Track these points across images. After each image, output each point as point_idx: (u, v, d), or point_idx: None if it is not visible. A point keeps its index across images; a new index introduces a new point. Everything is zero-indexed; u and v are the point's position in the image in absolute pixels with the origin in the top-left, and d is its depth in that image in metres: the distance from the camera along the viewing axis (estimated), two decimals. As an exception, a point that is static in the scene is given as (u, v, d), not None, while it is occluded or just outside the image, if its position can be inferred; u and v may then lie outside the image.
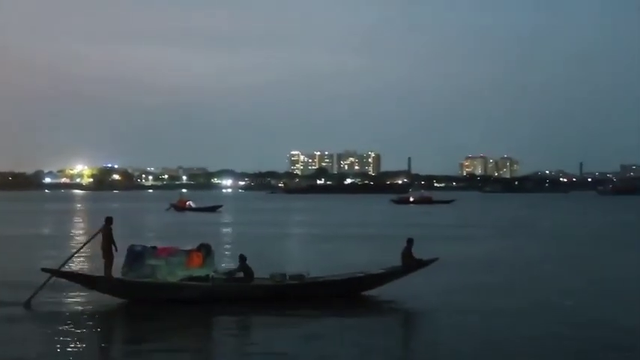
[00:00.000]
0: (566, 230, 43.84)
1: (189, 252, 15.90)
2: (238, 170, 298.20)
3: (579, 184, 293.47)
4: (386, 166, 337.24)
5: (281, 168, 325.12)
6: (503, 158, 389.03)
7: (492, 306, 15.76)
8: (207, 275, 15.68)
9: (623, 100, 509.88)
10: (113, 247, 16.19)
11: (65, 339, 12.59)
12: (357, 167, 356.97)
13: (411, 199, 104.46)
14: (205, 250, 15.89)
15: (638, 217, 60.81)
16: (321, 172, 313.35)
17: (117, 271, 15.84)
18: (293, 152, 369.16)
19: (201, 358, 11.92)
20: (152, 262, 15.49)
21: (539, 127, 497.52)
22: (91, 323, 14.24)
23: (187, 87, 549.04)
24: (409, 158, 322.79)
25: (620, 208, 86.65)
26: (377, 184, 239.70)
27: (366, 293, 16.72)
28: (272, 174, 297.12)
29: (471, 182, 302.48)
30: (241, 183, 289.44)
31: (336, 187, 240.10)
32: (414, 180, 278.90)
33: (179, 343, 12.75)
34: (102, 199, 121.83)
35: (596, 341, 12.42)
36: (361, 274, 16.83)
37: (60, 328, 13.44)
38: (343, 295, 16.18)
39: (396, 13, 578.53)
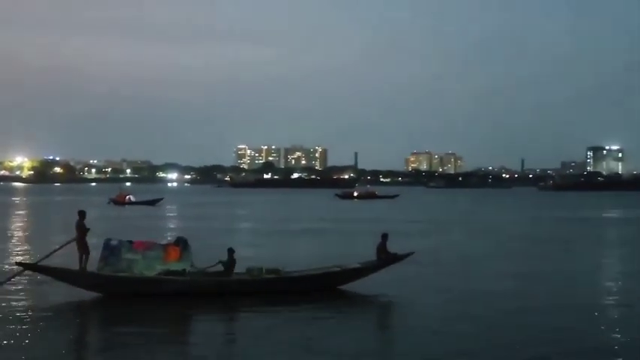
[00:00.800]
0: (502, 225, 44.83)
1: (165, 246, 15.92)
2: (184, 164, 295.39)
3: (521, 180, 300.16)
4: (333, 161, 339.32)
5: (228, 162, 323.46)
6: (448, 154, 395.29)
7: (452, 300, 16.36)
8: (185, 269, 15.64)
9: (563, 99, 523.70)
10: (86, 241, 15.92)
11: (40, 334, 12.49)
12: (304, 162, 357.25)
13: (355, 194, 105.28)
14: (182, 244, 15.87)
15: (569, 213, 62.65)
16: (268, 166, 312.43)
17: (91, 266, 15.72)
18: (240, 146, 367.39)
19: (178, 353, 11.85)
20: (129, 256, 15.44)
21: (482, 125, 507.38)
22: (66, 318, 14.13)
23: (132, 79, 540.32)
24: (356, 153, 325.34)
25: (556, 203, 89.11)
26: (324, 179, 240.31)
27: (342, 287, 16.86)
28: (218, 168, 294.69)
29: (416, 177, 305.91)
30: (187, 177, 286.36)
31: (283, 181, 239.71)
32: (361, 175, 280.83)
33: (155, 337, 12.67)
34: (43, 192, 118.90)
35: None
36: (337, 269, 17.03)
37: (34, 323, 13.30)
38: (320, 289, 16.34)
39: (342, 5, 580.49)
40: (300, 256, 23.22)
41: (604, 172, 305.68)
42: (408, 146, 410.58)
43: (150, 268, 15.45)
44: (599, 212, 65.61)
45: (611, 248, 30.52)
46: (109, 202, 69.96)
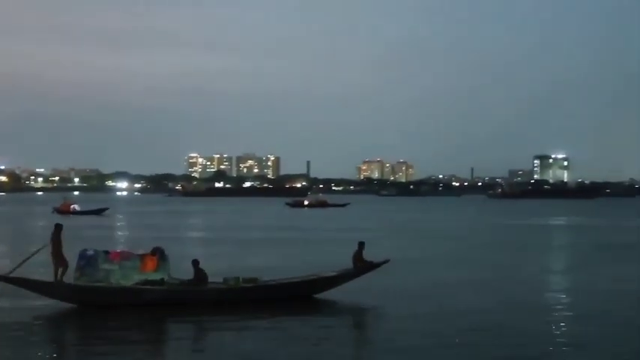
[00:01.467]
0: (449, 232, 45.28)
1: (142, 256, 15.88)
2: (134, 172, 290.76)
3: (471, 188, 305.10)
4: (285, 170, 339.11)
5: (179, 170, 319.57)
6: (400, 163, 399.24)
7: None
8: (163, 279, 15.63)
9: (510, 108, 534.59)
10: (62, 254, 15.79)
11: (14, 349, 12.10)
12: (256, 170, 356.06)
13: (306, 203, 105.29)
14: (159, 254, 15.86)
15: (517, 220, 63.78)
16: (220, 175, 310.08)
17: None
18: (191, 154, 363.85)
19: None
20: (105, 266, 15.38)
21: (433, 134, 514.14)
22: (42, 331, 13.91)
23: (79, 85, 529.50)
24: (308, 162, 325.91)
25: (504, 211, 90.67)
26: (276, 188, 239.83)
27: (318, 295, 16.91)
28: (169, 176, 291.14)
29: (368, 186, 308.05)
30: (137, 186, 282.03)
31: (235, 190, 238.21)
32: (313, 183, 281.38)
33: (133, 348, 12.49)
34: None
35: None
36: (314, 277, 17.08)
37: (8, 338, 12.90)
38: (296, 298, 16.39)
39: (288, 14, 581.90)
40: (256, 265, 22.67)
41: (550, 180, 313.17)
42: (360, 155, 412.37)
43: (127, 278, 15.43)
44: (546, 219, 66.92)
45: (557, 253, 31.09)
46: (53, 212, 68.43)
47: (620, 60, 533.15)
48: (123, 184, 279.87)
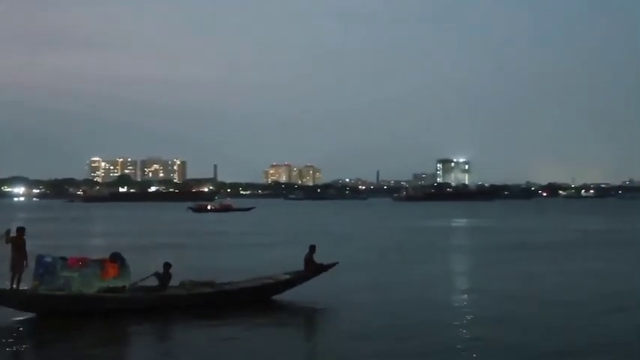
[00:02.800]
0: (352, 235, 45.55)
1: (102, 262, 15.39)
2: (32, 177, 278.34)
3: (377, 191, 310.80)
4: (192, 174, 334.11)
5: (80, 175, 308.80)
6: (307, 166, 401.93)
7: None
8: (125, 286, 15.35)
9: (414, 113, 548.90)
10: (24, 261, 15.20)
11: None
12: (161, 174, 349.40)
13: (209, 207, 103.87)
14: (120, 260, 15.50)
15: (420, 222, 65.29)
16: (124, 179, 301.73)
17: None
18: (94, 158, 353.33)
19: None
20: (65, 273, 14.90)
21: (339, 138, 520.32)
22: None
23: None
24: (215, 166, 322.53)
25: (408, 213, 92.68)
26: (182, 192, 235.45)
27: (274, 298, 17.14)
28: (70, 181, 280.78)
29: (275, 189, 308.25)
30: (36, 191, 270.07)
31: (140, 195, 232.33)
32: (220, 188, 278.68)
33: (95, 357, 12.09)
34: None
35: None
36: (271, 280, 17.36)
37: None
38: (254, 301, 16.50)
39: (193, 19, 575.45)
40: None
41: (452, 183, 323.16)
42: (268, 158, 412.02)
43: (88, 285, 14.99)
44: (448, 221, 68.74)
45: (457, 255, 31.80)
46: None
47: (519, 67, 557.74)
48: (20, 190, 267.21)
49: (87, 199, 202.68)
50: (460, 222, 68.72)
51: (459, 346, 12.35)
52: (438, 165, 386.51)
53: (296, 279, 17.48)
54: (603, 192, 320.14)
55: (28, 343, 13.44)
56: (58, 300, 14.79)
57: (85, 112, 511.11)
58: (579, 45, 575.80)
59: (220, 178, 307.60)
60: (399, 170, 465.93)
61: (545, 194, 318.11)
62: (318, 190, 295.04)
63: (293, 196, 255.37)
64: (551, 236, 43.72)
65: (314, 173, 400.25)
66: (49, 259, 15.01)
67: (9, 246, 15.33)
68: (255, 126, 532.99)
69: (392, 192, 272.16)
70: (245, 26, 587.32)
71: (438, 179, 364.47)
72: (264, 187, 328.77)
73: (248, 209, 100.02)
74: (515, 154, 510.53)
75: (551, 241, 38.62)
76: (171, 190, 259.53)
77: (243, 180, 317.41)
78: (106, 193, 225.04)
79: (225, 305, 15.90)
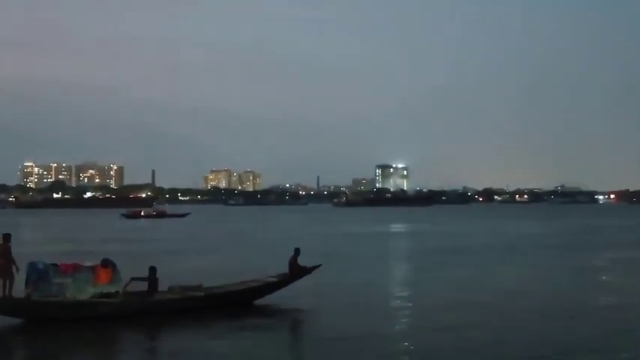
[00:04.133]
0: (287, 241, 45.13)
1: (94, 268, 15.45)
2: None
3: (317, 197, 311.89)
4: (129, 179, 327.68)
5: (12, 181, 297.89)
6: (247, 172, 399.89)
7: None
8: (118, 291, 15.47)
9: (353, 119, 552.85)
10: (14, 267, 15.12)
11: None
12: (97, 180, 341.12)
13: (142, 213, 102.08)
14: (112, 266, 15.61)
15: (359, 228, 65.84)
16: (58, 185, 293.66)
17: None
18: (26, 164, 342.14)
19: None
20: (58, 280, 14.96)
21: (279, 143, 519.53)
22: None
23: None
24: (153, 171, 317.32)
25: (347, 219, 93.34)
26: (119, 198, 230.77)
27: (259, 301, 17.42)
28: (1, 187, 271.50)
29: (215, 195, 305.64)
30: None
31: (75, 201, 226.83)
32: (159, 193, 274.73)
33: None
34: None
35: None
36: (256, 284, 17.62)
37: None
38: (241, 304, 16.77)
39: (137, 23, 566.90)
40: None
41: (391, 189, 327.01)
42: (207, 164, 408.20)
43: (82, 291, 15.10)
44: (387, 227, 69.56)
45: (393, 260, 32.08)
46: None
47: (455, 74, 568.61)
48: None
49: (19, 205, 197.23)
50: (398, 227, 69.54)
51: (394, 352, 12.43)
52: (377, 170, 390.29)
53: (281, 282, 17.88)
54: (536, 197, 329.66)
55: (20, 350, 13.40)
56: (52, 306, 14.83)
57: (18, 115, 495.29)
58: (515, 48, 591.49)
59: (159, 184, 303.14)
60: (339, 176, 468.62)
61: (481, 199, 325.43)
62: (259, 196, 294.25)
63: (233, 202, 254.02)
64: (485, 240, 44.70)
65: (254, 179, 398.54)
66: (41, 266, 15.03)
67: None
68: (195, 131, 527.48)
69: (332, 197, 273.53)
70: (195, 28, 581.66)
71: (378, 185, 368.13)
72: (203, 192, 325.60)
73: (183, 215, 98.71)
74: (452, 160, 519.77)
75: (484, 245, 39.47)
76: (107, 196, 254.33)
77: (182, 185, 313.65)
78: (39, 200, 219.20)
79: (213, 308, 16.09)
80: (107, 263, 15.65)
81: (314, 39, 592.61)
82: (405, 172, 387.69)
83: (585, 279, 23.36)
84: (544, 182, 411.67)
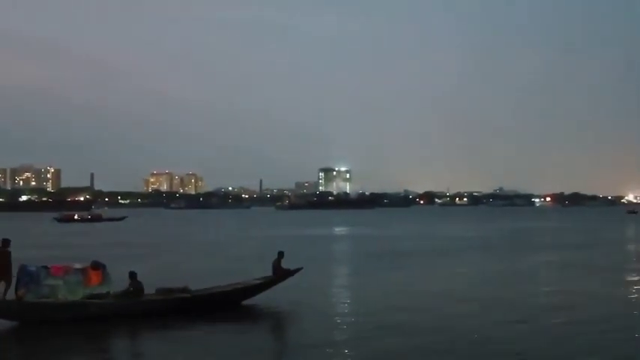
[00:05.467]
0: (225, 245, 45.04)
1: (84, 270, 15.64)
2: None
3: (260, 200, 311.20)
4: (67, 182, 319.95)
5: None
6: (189, 175, 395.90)
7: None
8: (108, 292, 15.69)
9: (296, 122, 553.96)
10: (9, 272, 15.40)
11: None
12: (34, 183, 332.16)
13: (76, 217, 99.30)
14: (102, 267, 15.82)
15: (300, 231, 66.03)
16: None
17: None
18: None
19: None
20: (49, 282, 15.14)
21: (222, 146, 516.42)
22: None
23: None
24: (92, 174, 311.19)
25: (290, 222, 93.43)
26: (56, 201, 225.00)
27: (245, 302, 17.66)
28: None
29: (156, 198, 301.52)
30: None
31: (9, 204, 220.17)
32: (98, 196, 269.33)
33: None
34: None
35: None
36: (242, 286, 17.93)
37: None
38: (228, 305, 17.04)
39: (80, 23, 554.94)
40: None
41: (334, 192, 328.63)
42: (148, 166, 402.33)
43: (73, 292, 15.28)
44: (328, 230, 69.92)
45: (335, 263, 32.28)
46: None
47: (397, 77, 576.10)
48: None
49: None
50: (340, 230, 70.00)
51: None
52: (320, 174, 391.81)
53: (265, 283, 18.22)
54: (476, 200, 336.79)
55: (12, 352, 13.40)
56: (45, 308, 14.96)
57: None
58: (467, 48, 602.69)
59: (98, 187, 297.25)
60: (282, 179, 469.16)
61: (422, 202, 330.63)
62: (201, 199, 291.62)
63: (174, 205, 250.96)
64: (422, 243, 45.36)
65: (196, 182, 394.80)
66: (32, 268, 15.20)
67: None
68: (135, 133, 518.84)
69: (275, 200, 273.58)
70: (122, 28, 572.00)
71: (320, 188, 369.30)
72: (144, 195, 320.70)
73: (120, 219, 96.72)
74: (394, 163, 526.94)
75: (421, 248, 40.03)
76: (44, 199, 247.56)
77: (122, 189, 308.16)
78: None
79: (199, 310, 16.29)
80: (97, 265, 15.85)
81: (253, 43, 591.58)
82: (347, 176, 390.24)
83: (516, 281, 23.97)
84: (483, 186, 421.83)
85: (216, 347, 13.18)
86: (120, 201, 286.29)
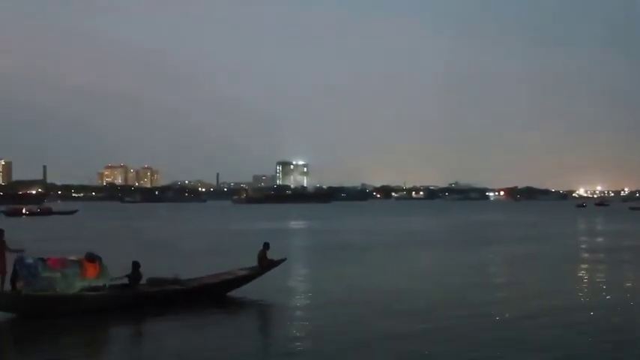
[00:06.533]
0: (177, 239, 44.61)
1: (80, 262, 15.70)
2: None
3: (217, 194, 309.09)
4: (18, 175, 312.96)
5: None
6: (144, 168, 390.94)
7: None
8: (105, 284, 15.84)
9: (255, 116, 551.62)
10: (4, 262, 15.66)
11: None
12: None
13: (24, 211, 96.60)
14: (99, 260, 15.93)
15: (257, 225, 65.86)
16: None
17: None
18: None
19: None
20: (47, 274, 15.13)
21: (178, 139, 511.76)
22: None
23: None
24: (44, 167, 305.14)
25: (247, 215, 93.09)
26: (7, 195, 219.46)
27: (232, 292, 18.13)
28: None
29: (111, 192, 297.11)
30: None
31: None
32: (51, 190, 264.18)
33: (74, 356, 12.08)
34: None
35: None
36: (230, 276, 18.41)
37: None
38: (217, 295, 17.51)
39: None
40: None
41: (292, 185, 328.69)
42: (102, 159, 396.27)
43: (71, 285, 15.35)
44: (285, 223, 69.83)
45: (290, 257, 32.20)
46: None
47: (355, 74, 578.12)
48: None
49: None
50: (297, 224, 69.95)
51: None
52: (278, 167, 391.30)
53: (252, 274, 18.75)
54: (432, 194, 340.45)
55: (9, 344, 13.55)
56: (44, 300, 15.02)
57: None
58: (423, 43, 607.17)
59: (50, 180, 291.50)
60: (239, 172, 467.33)
61: (379, 196, 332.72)
62: (156, 193, 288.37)
63: (129, 199, 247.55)
64: (376, 237, 45.74)
65: (152, 175, 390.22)
66: (30, 261, 15.20)
67: None
68: (88, 125, 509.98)
69: (232, 194, 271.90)
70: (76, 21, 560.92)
71: (278, 181, 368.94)
72: (98, 189, 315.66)
73: (71, 212, 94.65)
74: (351, 157, 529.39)
75: (375, 242, 40.32)
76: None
77: (75, 182, 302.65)
78: None
79: (190, 300, 16.59)
80: (93, 257, 15.95)
81: (212, 38, 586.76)
82: (305, 169, 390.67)
83: (468, 274, 24.30)
84: (439, 180, 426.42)
85: (203, 334, 13.69)
86: (73, 194, 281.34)
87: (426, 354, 12.01)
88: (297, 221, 75.58)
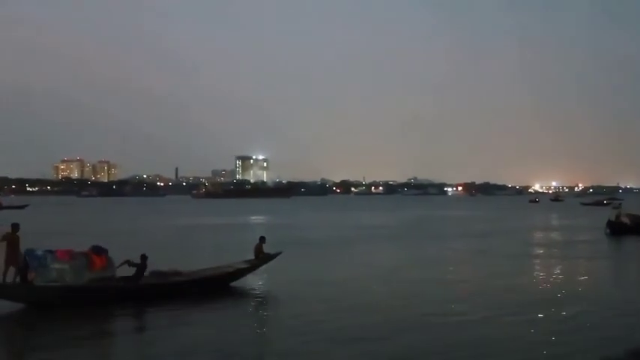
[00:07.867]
0: (133, 234, 44.20)
1: (87, 254, 16.04)
2: None
3: (176, 188, 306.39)
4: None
5: None
6: (101, 162, 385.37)
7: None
8: (112, 276, 16.29)
9: (211, 110, 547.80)
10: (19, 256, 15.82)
11: None
12: None
13: None
14: (105, 252, 16.31)
15: (215, 220, 65.59)
16: None
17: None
18: None
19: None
20: (57, 265, 15.54)
21: (136, 133, 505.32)
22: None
23: None
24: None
25: (206, 210, 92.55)
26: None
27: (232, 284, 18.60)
28: None
29: (67, 186, 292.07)
30: None
31: None
32: (4, 184, 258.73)
33: (84, 345, 12.41)
34: None
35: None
36: (231, 269, 18.89)
37: None
38: (217, 288, 17.90)
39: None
40: None
41: (251, 180, 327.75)
42: (58, 153, 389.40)
43: (79, 276, 15.69)
44: (243, 218, 69.61)
45: (245, 253, 32.15)
46: None
47: (320, 67, 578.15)
48: None
49: None
50: (256, 218, 69.75)
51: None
52: (237, 162, 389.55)
53: (250, 267, 19.27)
54: (391, 189, 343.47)
55: (21, 333, 13.85)
56: (54, 291, 15.39)
57: None
58: (382, 41, 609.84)
59: (3, 174, 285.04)
60: (198, 167, 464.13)
61: (339, 191, 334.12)
62: (114, 187, 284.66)
63: (86, 193, 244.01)
64: (334, 232, 45.93)
65: (109, 169, 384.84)
66: (39, 252, 15.60)
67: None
68: (43, 117, 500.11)
69: (191, 188, 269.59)
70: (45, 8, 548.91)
71: (238, 176, 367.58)
72: (54, 183, 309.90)
73: (21, 207, 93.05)
74: (311, 152, 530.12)
75: (331, 237, 40.40)
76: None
77: (30, 176, 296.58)
78: None
79: (192, 292, 16.99)
80: (100, 250, 16.31)
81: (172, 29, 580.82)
82: (265, 164, 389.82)
83: (423, 269, 24.66)
84: (398, 175, 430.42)
85: (205, 324, 14.05)
86: (28, 189, 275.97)
87: (383, 351, 12.09)
88: (255, 216, 75.45)
